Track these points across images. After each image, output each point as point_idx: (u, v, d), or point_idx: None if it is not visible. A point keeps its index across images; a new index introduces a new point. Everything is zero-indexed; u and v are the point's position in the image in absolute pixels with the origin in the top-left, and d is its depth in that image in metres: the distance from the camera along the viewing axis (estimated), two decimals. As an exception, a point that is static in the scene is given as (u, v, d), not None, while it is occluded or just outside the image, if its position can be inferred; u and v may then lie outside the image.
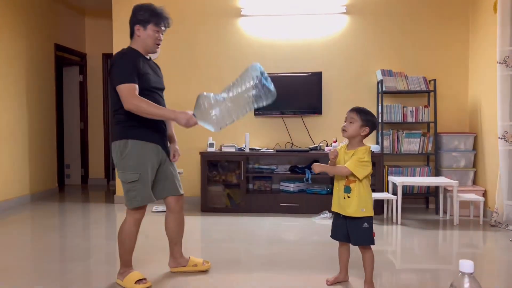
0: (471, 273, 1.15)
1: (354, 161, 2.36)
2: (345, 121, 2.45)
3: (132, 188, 2.44)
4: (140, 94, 2.39)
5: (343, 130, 2.44)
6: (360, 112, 2.42)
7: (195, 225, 4.11)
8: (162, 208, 4.60)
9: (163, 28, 2.54)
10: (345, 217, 2.45)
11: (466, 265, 1.15)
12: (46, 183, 5.75)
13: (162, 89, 2.62)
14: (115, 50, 5.17)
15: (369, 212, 2.40)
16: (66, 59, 6.53)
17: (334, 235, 2.56)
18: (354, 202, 2.38)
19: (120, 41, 5.18)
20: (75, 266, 2.89)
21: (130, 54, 2.45)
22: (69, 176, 6.81)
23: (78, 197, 5.77)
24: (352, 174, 2.37)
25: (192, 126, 2.37)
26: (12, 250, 3.31)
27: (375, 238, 2.42)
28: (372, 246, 2.43)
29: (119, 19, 5.17)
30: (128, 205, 2.48)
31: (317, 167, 2.45)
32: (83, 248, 3.35)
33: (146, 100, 2.35)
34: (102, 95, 6.83)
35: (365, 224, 2.39)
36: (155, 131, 2.51)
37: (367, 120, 2.40)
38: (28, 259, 3.08)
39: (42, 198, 5.55)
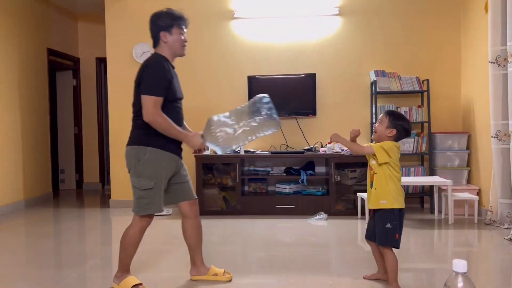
0: (465, 273, 1.16)
1: (378, 145, 2.40)
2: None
3: (145, 196, 2.43)
4: (166, 105, 2.42)
5: (374, 132, 2.50)
6: (389, 114, 2.46)
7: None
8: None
9: (184, 29, 2.57)
10: (374, 216, 2.48)
11: (460, 265, 1.16)
12: (40, 188, 5.72)
13: (182, 98, 2.63)
14: (108, 54, 5.17)
15: (390, 204, 2.38)
16: (59, 64, 6.51)
17: (366, 235, 2.60)
18: (373, 194, 2.44)
19: (113, 45, 5.17)
20: (71, 272, 2.87)
21: (162, 65, 2.43)
22: (64, 181, 6.77)
23: (73, 202, 5.74)
24: (374, 158, 2.41)
25: (201, 148, 2.48)
26: (7, 257, 3.29)
27: (398, 240, 2.38)
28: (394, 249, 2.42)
29: (112, 23, 5.16)
30: (137, 212, 2.46)
31: (334, 137, 2.48)
32: (79, 254, 3.33)
33: (167, 118, 2.37)
34: (96, 99, 6.81)
35: (388, 225, 2.38)
36: (174, 141, 2.52)
37: (394, 123, 2.42)
38: (23, 266, 3.06)
39: (36, 203, 5.51)
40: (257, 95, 2.51)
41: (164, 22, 2.49)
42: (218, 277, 2.66)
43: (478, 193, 4.38)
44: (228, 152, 2.52)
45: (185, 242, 2.70)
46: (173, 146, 2.51)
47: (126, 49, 5.13)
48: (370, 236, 2.55)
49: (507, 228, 3.77)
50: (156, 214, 2.50)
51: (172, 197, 2.60)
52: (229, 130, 2.42)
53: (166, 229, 3.99)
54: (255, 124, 2.43)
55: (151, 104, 2.34)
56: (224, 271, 2.69)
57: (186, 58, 5.37)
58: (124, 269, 2.54)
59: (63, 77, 6.75)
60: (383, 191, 2.40)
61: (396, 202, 2.40)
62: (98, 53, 6.60)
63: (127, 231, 2.51)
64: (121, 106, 5.13)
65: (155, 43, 2.55)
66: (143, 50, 5.08)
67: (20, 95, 5.29)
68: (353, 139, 2.54)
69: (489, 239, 3.60)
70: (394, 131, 2.42)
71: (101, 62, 6.73)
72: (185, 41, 2.57)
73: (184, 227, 2.67)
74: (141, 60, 5.09)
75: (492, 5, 3.88)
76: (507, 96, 3.77)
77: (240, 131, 2.42)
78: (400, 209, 2.42)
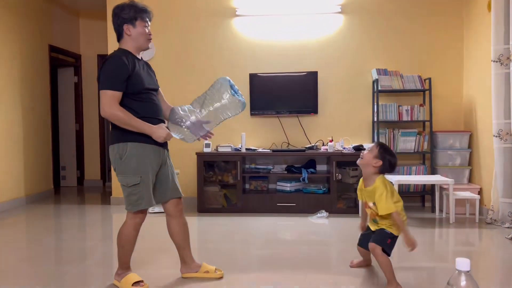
0: (468, 271, 1.16)
1: (383, 200, 2.44)
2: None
3: (133, 192, 2.40)
4: (135, 96, 2.39)
5: (360, 158, 2.59)
6: (380, 146, 2.56)
7: (192, 225, 4.10)
8: (158, 209, 4.58)
9: (148, 22, 2.51)
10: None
11: (463, 263, 1.15)
12: (41, 185, 5.73)
13: (156, 89, 2.58)
14: (110, 51, 5.15)
15: (398, 232, 2.52)
16: (61, 60, 6.51)
17: (360, 243, 2.74)
18: (379, 226, 2.56)
19: (114, 42, 5.14)
20: (72, 268, 2.88)
21: (121, 58, 2.36)
22: (65, 177, 6.78)
23: (74, 199, 5.74)
24: (371, 200, 2.54)
25: (168, 140, 2.44)
26: (8, 252, 3.29)
27: (390, 245, 2.48)
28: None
29: (114, 20, 5.15)
30: (129, 209, 2.44)
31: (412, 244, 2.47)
32: (80, 250, 3.33)
33: (126, 111, 2.32)
34: (97, 96, 6.80)
35: (388, 232, 2.50)
36: None
37: (382, 155, 2.52)
38: (24, 262, 3.06)
39: (37, 200, 5.52)
40: (218, 78, 2.47)
41: (128, 15, 2.43)
42: (209, 274, 2.65)
43: (480, 192, 4.37)
44: (196, 141, 2.52)
45: (172, 240, 2.68)
46: None
47: (127, 46, 5.11)
48: (362, 244, 2.71)
49: (508, 227, 3.77)
50: (150, 211, 2.48)
51: (159, 195, 2.56)
52: (193, 118, 2.40)
53: (165, 226, 3.98)
54: (219, 105, 2.40)
55: (107, 99, 2.29)
56: (215, 269, 2.68)
57: (187, 56, 5.36)
58: (125, 266, 2.53)
59: (65, 74, 6.76)
60: (388, 226, 2.52)
61: (397, 232, 2.52)
62: (100, 50, 6.61)
63: (122, 230, 2.49)
64: (123, 103, 5.13)
65: (119, 37, 2.51)
66: (145, 47, 5.06)
67: (21, 92, 5.29)
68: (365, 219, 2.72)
69: (490, 238, 3.59)
70: (380, 163, 2.51)
71: (103, 59, 6.72)
72: (150, 34, 2.51)
73: (169, 225, 2.64)
74: (139, 56, 5.07)
75: (495, 4, 3.87)
76: (510, 95, 3.77)
77: (203, 114, 2.40)
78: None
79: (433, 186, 4.55)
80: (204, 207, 4.64)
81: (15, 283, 2.63)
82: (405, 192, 4.76)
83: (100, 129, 6.83)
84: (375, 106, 4.72)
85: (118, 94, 2.32)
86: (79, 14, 6.77)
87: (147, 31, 2.49)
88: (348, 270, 2.76)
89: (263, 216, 4.42)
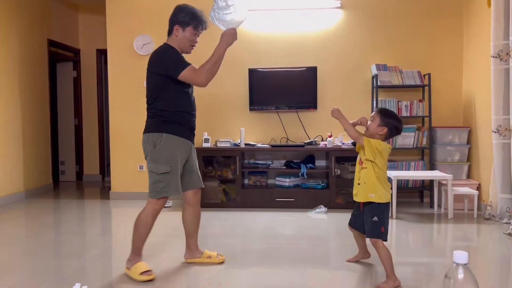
0: (465, 264, 1.16)
1: (370, 140, 2.43)
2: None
3: (161, 180, 2.53)
4: (180, 89, 2.57)
5: (365, 129, 2.56)
6: (381, 112, 2.50)
7: (191, 220, 4.10)
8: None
9: (200, 31, 2.70)
10: (362, 208, 2.54)
11: (461, 256, 1.16)
12: (40, 179, 5.73)
13: (190, 85, 2.72)
14: (109, 46, 5.15)
15: (378, 198, 2.44)
16: (60, 55, 6.49)
17: (350, 223, 2.71)
18: (362, 188, 2.49)
19: (113, 37, 5.15)
20: (71, 262, 2.88)
21: (172, 48, 2.60)
22: (64, 172, 6.78)
23: (73, 194, 5.75)
24: (362, 150, 2.48)
25: (235, 35, 2.67)
26: (7, 247, 3.29)
27: (384, 233, 2.44)
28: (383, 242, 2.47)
29: (113, 14, 5.14)
30: (153, 196, 2.56)
31: (335, 112, 2.58)
32: (79, 244, 3.34)
33: (204, 65, 2.54)
34: (96, 91, 6.79)
35: (375, 218, 2.44)
36: (187, 127, 2.64)
37: (386, 122, 2.46)
38: (23, 256, 3.06)
39: (36, 194, 5.52)
40: None
41: (183, 18, 2.62)
42: (212, 259, 2.79)
43: (478, 188, 4.38)
44: (245, 19, 2.75)
45: (183, 227, 2.83)
46: (187, 131, 2.63)
47: (127, 41, 5.10)
48: (354, 225, 2.68)
49: (506, 222, 3.78)
50: (172, 195, 2.61)
51: (184, 184, 2.70)
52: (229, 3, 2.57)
53: (166, 221, 3.99)
54: None
55: (190, 74, 2.51)
56: (217, 254, 2.83)
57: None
58: (137, 252, 2.62)
59: (64, 69, 6.74)
60: (372, 185, 2.46)
61: (384, 196, 2.46)
62: (99, 44, 6.58)
63: (140, 215, 2.60)
64: (122, 98, 5.12)
65: (169, 33, 2.70)
66: (144, 42, 5.06)
67: (20, 86, 5.28)
68: (355, 125, 2.59)
69: (488, 234, 3.61)
70: (385, 130, 2.46)
71: (102, 54, 6.71)
72: (195, 42, 2.71)
73: (185, 213, 2.80)
74: (142, 52, 5.07)
75: (495, 0, 3.86)
76: (509, 91, 3.76)
77: None
78: (386, 203, 2.48)
79: (431, 181, 4.56)
80: (203, 202, 4.61)
81: (14, 277, 2.64)
82: (404, 187, 4.76)
83: (99, 124, 6.82)
84: (375, 102, 4.72)
85: (192, 66, 2.53)
86: (78, 9, 6.74)
87: (193, 38, 2.67)
88: (346, 265, 2.77)
89: (262, 211, 4.43)
